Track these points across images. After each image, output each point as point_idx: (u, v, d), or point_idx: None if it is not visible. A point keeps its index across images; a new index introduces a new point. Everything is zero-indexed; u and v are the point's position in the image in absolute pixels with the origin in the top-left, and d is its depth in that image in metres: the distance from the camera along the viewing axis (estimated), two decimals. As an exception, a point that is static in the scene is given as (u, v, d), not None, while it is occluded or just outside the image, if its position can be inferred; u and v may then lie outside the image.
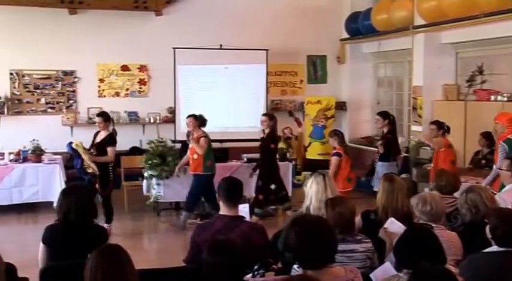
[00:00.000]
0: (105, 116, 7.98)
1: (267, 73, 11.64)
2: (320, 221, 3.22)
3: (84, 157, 7.64)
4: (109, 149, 7.78)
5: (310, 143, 11.97)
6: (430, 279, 2.73)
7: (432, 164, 8.12)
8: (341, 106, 12.53)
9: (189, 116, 8.47)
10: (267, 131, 8.54)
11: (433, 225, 4.04)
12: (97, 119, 8.00)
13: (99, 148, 7.84)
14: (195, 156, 8.22)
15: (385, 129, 8.53)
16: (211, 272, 3.13)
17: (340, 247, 3.43)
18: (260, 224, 4.44)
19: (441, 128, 7.89)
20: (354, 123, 12.57)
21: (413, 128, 10.32)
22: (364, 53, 12.45)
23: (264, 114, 8.89)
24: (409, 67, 10.78)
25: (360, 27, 11.69)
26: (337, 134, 8.23)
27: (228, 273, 3.11)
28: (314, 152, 11.85)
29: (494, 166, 6.97)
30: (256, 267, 3.63)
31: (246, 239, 3.86)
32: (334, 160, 7.98)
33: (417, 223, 4.19)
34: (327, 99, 12.13)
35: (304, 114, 12.16)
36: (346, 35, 12.39)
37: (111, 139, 7.85)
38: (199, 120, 8.35)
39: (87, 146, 7.92)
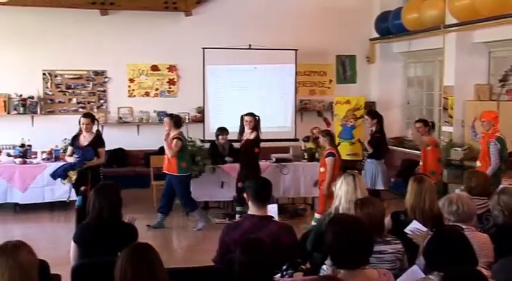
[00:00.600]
0: (92, 117, 7.64)
1: (296, 73, 11.63)
2: (358, 222, 3.23)
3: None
4: (101, 151, 7.49)
5: (339, 143, 11.85)
6: None
7: (421, 163, 8.24)
8: (370, 106, 12.40)
9: (166, 115, 8.63)
10: (249, 132, 8.38)
11: (464, 226, 3.98)
12: (84, 120, 7.48)
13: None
14: (169, 155, 8.24)
15: (374, 129, 8.64)
16: (243, 272, 3.12)
17: None
18: (289, 224, 4.41)
19: (427, 125, 8.20)
20: (384, 123, 12.43)
21: (444, 128, 10.19)
22: (394, 53, 12.33)
23: (248, 114, 8.58)
24: (440, 67, 10.65)
25: (390, 26, 11.58)
26: (329, 134, 8.29)
27: (260, 272, 3.11)
28: (343, 152, 11.68)
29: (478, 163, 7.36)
30: (284, 267, 3.63)
31: (275, 239, 3.85)
32: (329, 160, 7.92)
33: (447, 225, 4.14)
34: (356, 99, 12.05)
35: (333, 115, 12.10)
36: (375, 35, 12.29)
37: (100, 140, 7.56)
38: (174, 120, 8.31)
39: (62, 148, 8.00)
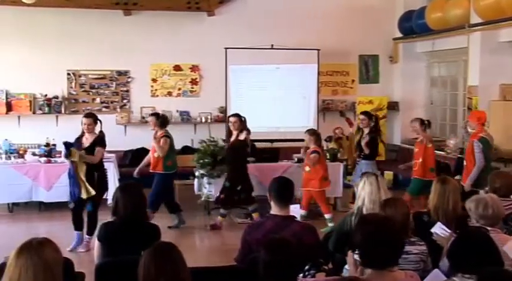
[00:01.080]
0: (94, 117, 7.34)
1: (318, 73, 11.60)
2: (389, 222, 3.21)
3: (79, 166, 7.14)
4: (97, 149, 7.20)
5: (360, 143, 11.82)
6: None
7: (421, 159, 8.26)
8: (393, 106, 12.35)
9: (151, 114, 8.52)
10: (236, 133, 8.30)
11: (489, 228, 3.93)
12: (85, 120, 7.27)
13: (90, 151, 7.20)
14: (156, 155, 8.20)
15: (367, 130, 8.68)
16: (267, 271, 3.12)
17: None
18: (311, 224, 4.39)
19: (423, 123, 8.33)
20: (406, 123, 12.19)
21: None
22: (418, 53, 12.22)
23: (233, 115, 8.60)
24: (464, 66, 10.53)
25: (413, 26, 11.49)
26: (316, 134, 8.36)
27: (284, 272, 3.10)
28: (365, 152, 11.70)
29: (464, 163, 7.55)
30: (307, 267, 3.62)
31: (297, 239, 3.84)
32: (314, 156, 8.06)
33: (472, 226, 4.09)
34: (379, 99, 11.98)
35: (356, 115, 12.03)
36: (399, 34, 12.21)
37: (100, 140, 7.27)
38: (160, 120, 8.27)
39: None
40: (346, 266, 3.30)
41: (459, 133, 10.82)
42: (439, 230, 4.14)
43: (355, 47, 12.27)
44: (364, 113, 9.05)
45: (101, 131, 7.35)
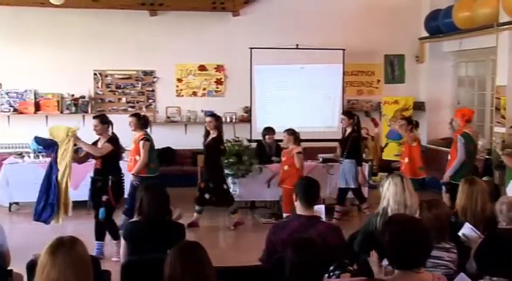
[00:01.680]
0: (101, 118, 7.11)
1: (344, 73, 11.56)
2: (416, 222, 3.18)
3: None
4: (104, 145, 6.88)
5: (387, 143, 11.75)
6: None
7: (407, 159, 8.36)
8: (419, 106, 12.23)
9: (132, 115, 8.00)
10: (214, 133, 8.16)
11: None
12: (93, 122, 7.08)
13: (102, 156, 6.90)
14: (138, 157, 7.72)
15: (349, 129, 8.63)
16: (294, 271, 3.11)
17: None
18: (336, 224, 4.38)
19: (410, 123, 8.47)
20: (433, 124, 12.23)
21: (496, 129, 9.93)
22: (444, 52, 12.08)
23: (209, 115, 8.55)
24: (493, 66, 10.39)
25: (440, 25, 11.37)
26: (294, 134, 8.30)
27: (311, 272, 3.09)
28: (391, 153, 11.62)
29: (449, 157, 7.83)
30: (332, 268, 3.60)
31: (322, 239, 3.82)
32: (300, 157, 8.06)
33: (501, 228, 4.03)
34: (405, 99, 11.88)
35: (381, 115, 11.96)
36: (425, 34, 12.09)
37: (111, 139, 6.94)
38: (142, 121, 7.89)
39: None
40: (384, 263, 3.26)
41: (486, 134, 10.69)
42: (468, 231, 4.09)
43: (380, 46, 12.19)
44: (344, 112, 9.05)
45: (113, 133, 7.04)
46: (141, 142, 7.69)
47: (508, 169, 7.81)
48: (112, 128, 7.06)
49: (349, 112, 8.89)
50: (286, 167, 8.17)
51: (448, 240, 3.85)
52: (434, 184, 8.82)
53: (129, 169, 7.86)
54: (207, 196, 8.23)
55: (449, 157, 7.88)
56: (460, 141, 7.54)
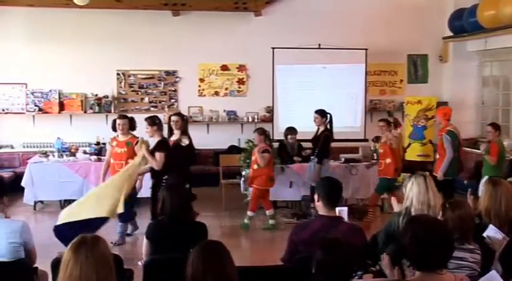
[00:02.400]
0: (150, 120, 7.19)
1: (366, 73, 11.50)
2: (438, 223, 3.15)
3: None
4: (157, 154, 6.91)
5: (409, 144, 11.66)
6: None
7: (389, 160, 8.37)
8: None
9: (122, 117, 7.67)
10: (178, 132, 7.79)
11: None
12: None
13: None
14: (130, 162, 7.23)
15: (322, 127, 8.58)
16: (322, 271, 3.10)
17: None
18: (358, 225, 4.35)
19: (389, 124, 8.49)
20: (456, 124, 11.91)
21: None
22: (469, 52, 11.95)
23: (175, 114, 8.17)
24: (518, 66, 10.27)
25: (464, 24, 11.25)
26: (265, 133, 8.37)
27: (337, 272, 3.08)
28: (413, 153, 11.53)
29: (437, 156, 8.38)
30: (354, 268, 3.59)
31: (345, 239, 3.81)
32: (266, 156, 8.12)
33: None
34: (428, 99, 11.77)
35: (404, 115, 11.88)
36: (449, 33, 11.97)
37: (160, 144, 7.03)
38: (131, 124, 7.64)
39: None
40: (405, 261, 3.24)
41: (512, 134, 10.57)
42: (492, 233, 4.03)
43: (403, 46, 12.12)
44: (317, 111, 8.91)
45: (161, 135, 7.17)
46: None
47: None
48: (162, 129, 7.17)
49: (322, 111, 8.76)
50: (255, 166, 8.20)
51: (471, 241, 3.80)
52: (458, 185, 8.73)
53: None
54: None
55: (437, 156, 8.37)
56: (447, 139, 8.04)
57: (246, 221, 8.32)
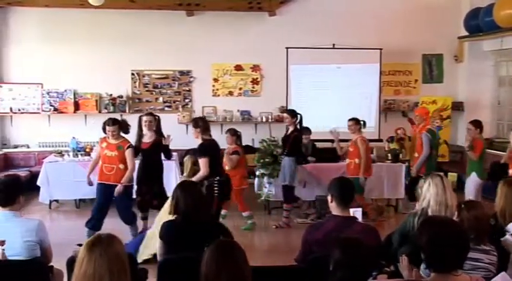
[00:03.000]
0: (193, 122, 7.13)
1: (381, 72, 11.45)
2: (453, 224, 3.13)
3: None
4: (200, 161, 6.78)
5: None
6: None
7: (357, 160, 8.38)
8: (458, 107, 12.04)
9: (114, 122, 7.23)
10: (149, 134, 7.71)
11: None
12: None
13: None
14: (121, 166, 7.15)
15: (291, 127, 8.52)
16: (339, 271, 3.08)
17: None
18: (372, 225, 4.33)
19: (358, 123, 8.49)
20: (472, 124, 11.99)
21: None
22: (485, 51, 11.86)
23: (148, 114, 7.96)
24: (535, 65, 10.16)
25: (480, 24, 11.15)
26: (237, 134, 8.38)
27: (354, 272, 3.07)
28: (428, 153, 11.46)
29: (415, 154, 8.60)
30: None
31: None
32: (234, 158, 8.20)
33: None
34: (443, 99, 11.71)
35: (419, 115, 11.79)
36: (464, 33, 11.87)
37: (200, 148, 6.86)
38: (123, 127, 7.38)
39: None
40: (422, 268, 3.21)
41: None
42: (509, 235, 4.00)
43: (418, 46, 12.05)
44: (287, 110, 9.01)
45: (203, 138, 6.90)
46: (127, 151, 7.23)
47: None
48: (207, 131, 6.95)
49: (292, 111, 8.73)
50: (227, 167, 8.11)
51: (487, 242, 3.77)
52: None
53: (103, 178, 7.29)
54: (148, 198, 7.77)
55: (415, 154, 8.64)
56: (427, 137, 8.38)
57: (249, 222, 8.31)
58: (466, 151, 8.32)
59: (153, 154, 7.76)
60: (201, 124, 6.92)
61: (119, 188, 7.08)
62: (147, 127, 7.70)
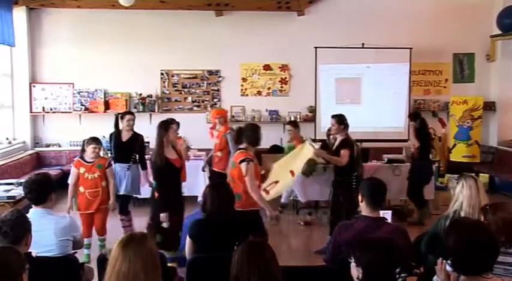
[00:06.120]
0: (338, 118, 7.38)
1: (410, 72, 11.34)
2: (482, 226, 3.09)
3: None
4: (342, 151, 7.18)
5: (454, 144, 11.46)
6: None
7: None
8: (489, 106, 11.86)
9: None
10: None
11: None
12: (331, 121, 7.54)
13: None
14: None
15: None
16: (369, 272, 3.06)
17: (499, 257, 3.17)
18: (402, 226, 4.29)
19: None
20: (504, 125, 11.83)
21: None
22: (517, 50, 11.68)
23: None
24: None
25: (513, 22, 10.97)
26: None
27: (385, 273, 3.05)
28: (458, 154, 11.34)
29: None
30: (398, 270, 3.54)
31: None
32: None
33: None
34: (474, 99, 11.54)
35: (449, 115, 11.67)
36: (497, 31, 11.68)
37: (344, 141, 7.27)
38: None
39: None
40: (435, 278, 3.17)
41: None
42: None
43: (449, 45, 11.90)
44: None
45: (346, 134, 7.35)
46: None
47: None
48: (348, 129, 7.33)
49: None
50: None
51: None
52: (504, 186, 8.54)
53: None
54: None
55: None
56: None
57: None
58: None
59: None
60: (346, 122, 7.36)
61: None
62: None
